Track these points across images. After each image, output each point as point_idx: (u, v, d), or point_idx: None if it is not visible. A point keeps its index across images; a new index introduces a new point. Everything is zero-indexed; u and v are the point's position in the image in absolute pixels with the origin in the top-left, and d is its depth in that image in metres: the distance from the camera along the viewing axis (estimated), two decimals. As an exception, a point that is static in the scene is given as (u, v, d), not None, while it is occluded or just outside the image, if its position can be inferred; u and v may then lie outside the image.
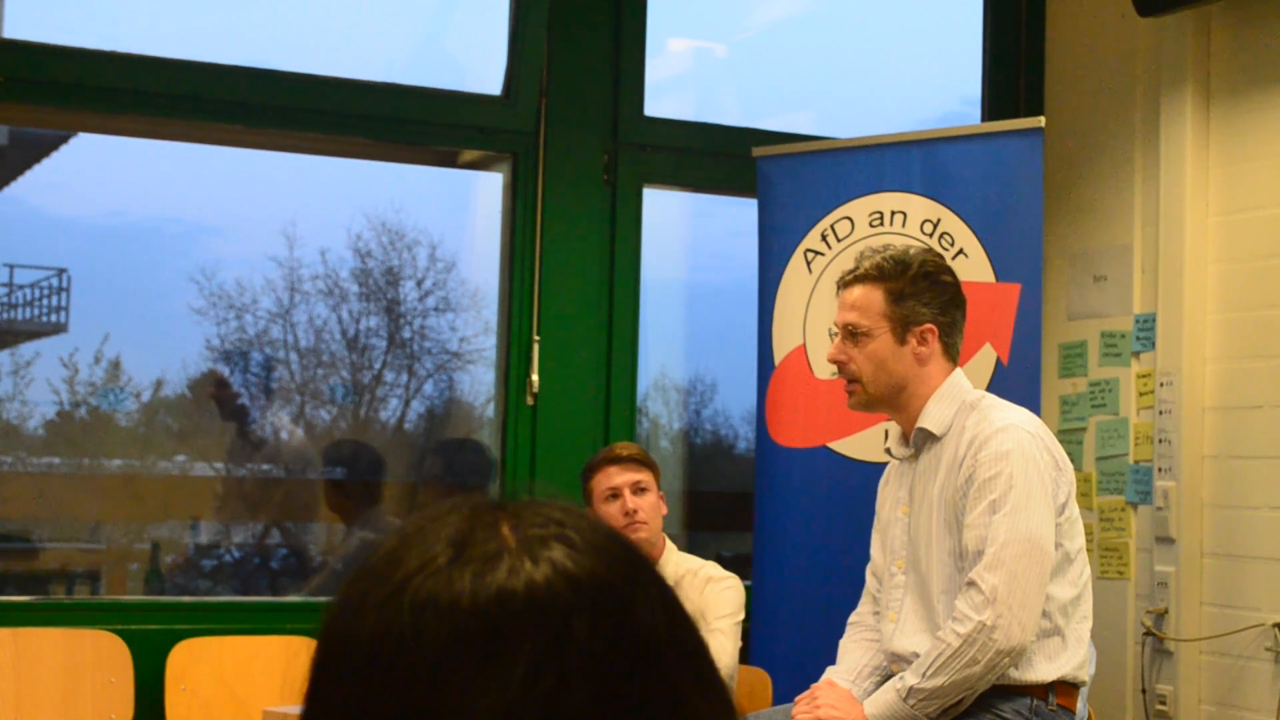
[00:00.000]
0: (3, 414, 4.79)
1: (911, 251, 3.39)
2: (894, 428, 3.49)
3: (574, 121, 4.83)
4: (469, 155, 4.98)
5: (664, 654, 0.94)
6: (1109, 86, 4.97)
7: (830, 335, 3.46)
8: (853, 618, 3.50)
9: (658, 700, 0.93)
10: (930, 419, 3.28)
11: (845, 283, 3.37)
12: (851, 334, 3.31)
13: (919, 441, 3.33)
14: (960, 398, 3.30)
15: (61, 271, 4.97)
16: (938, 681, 3.10)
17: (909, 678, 3.15)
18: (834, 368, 4.45)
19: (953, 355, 3.35)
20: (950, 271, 3.41)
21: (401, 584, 0.94)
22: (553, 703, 0.89)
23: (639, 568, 0.98)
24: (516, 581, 0.92)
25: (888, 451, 3.50)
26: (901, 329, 3.29)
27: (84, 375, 4.83)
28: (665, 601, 0.97)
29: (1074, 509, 3.26)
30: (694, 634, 0.98)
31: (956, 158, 4.45)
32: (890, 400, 3.33)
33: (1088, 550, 3.40)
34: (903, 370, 3.29)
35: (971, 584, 3.10)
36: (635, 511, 4.01)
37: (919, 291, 3.30)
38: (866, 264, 3.33)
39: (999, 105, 5.30)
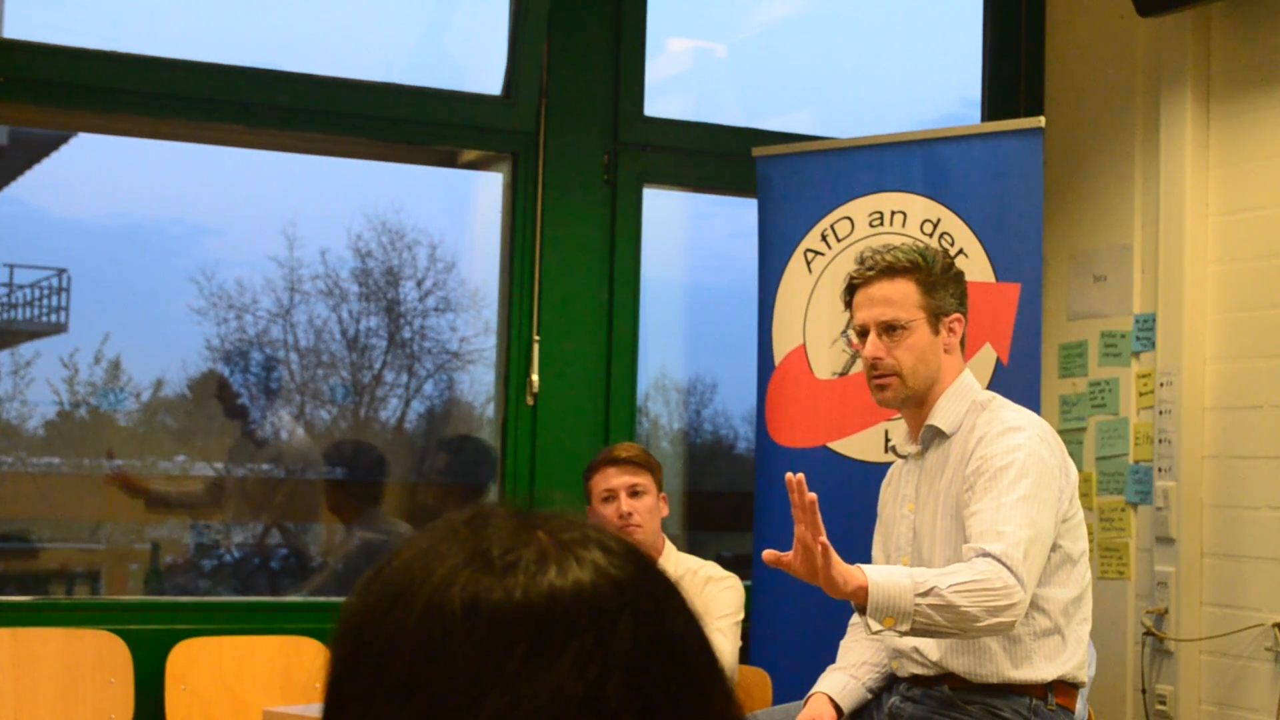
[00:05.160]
0: (3, 414, 4.79)
1: (922, 245, 3.39)
2: (897, 427, 3.48)
3: (574, 121, 4.83)
4: (469, 155, 4.98)
5: (694, 658, 1.00)
6: (1109, 86, 4.97)
7: (844, 336, 3.42)
8: (854, 619, 3.49)
9: (687, 700, 0.98)
10: (941, 416, 3.27)
11: (866, 279, 3.30)
12: (889, 329, 3.26)
13: (927, 439, 3.32)
14: (971, 397, 3.29)
15: (61, 271, 4.97)
16: (959, 601, 2.92)
17: (934, 579, 2.93)
18: (835, 367, 4.48)
19: (963, 349, 3.35)
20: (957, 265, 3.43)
21: (447, 580, 0.97)
22: (595, 692, 0.93)
23: (664, 576, 1.03)
24: (565, 581, 0.97)
25: (893, 450, 3.49)
26: (935, 320, 3.27)
27: (84, 375, 4.84)
28: (689, 608, 1.03)
29: (1078, 513, 3.25)
30: (709, 639, 1.03)
31: (956, 158, 4.46)
32: (925, 393, 3.28)
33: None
34: (936, 361, 3.27)
35: (996, 559, 2.97)
36: (629, 515, 4.01)
37: (946, 282, 3.28)
38: (889, 258, 3.28)
39: (999, 105, 5.30)
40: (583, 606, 0.96)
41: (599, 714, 0.93)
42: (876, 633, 3.02)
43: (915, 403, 3.32)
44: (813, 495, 2.86)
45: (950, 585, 2.93)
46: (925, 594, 2.91)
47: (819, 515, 2.86)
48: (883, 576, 2.93)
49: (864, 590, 2.90)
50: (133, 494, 4.82)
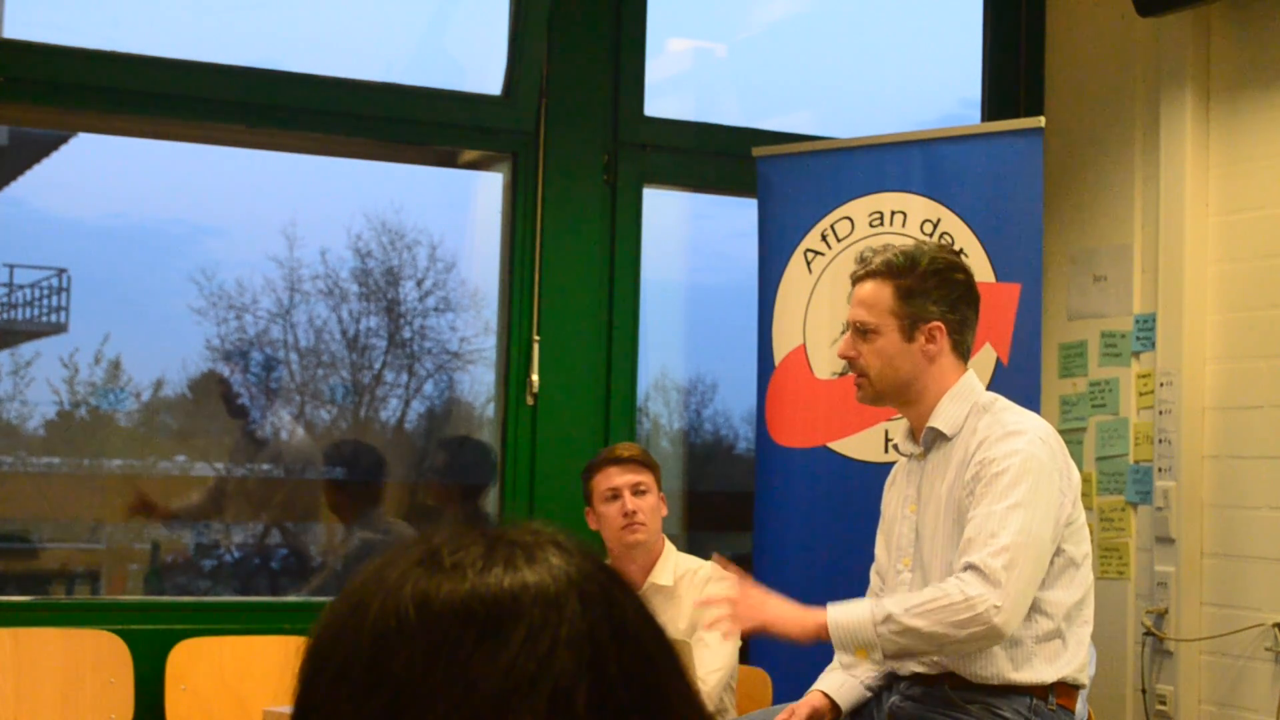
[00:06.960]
0: (3, 414, 4.79)
1: (924, 248, 3.37)
2: (898, 426, 3.49)
3: (574, 121, 4.83)
4: (469, 155, 4.98)
5: (645, 640, 1.02)
6: (1109, 86, 4.97)
7: (843, 331, 3.45)
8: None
9: (640, 677, 0.99)
10: (942, 418, 3.27)
11: (857, 278, 3.34)
12: (860, 331, 3.30)
13: (929, 440, 3.31)
14: (973, 399, 3.28)
15: (61, 271, 4.97)
16: (918, 624, 2.98)
17: (890, 605, 3.02)
18: (834, 367, 4.48)
19: (964, 353, 3.32)
20: (963, 269, 3.36)
21: (399, 582, 1.00)
22: (545, 669, 0.95)
23: (619, 576, 1.06)
24: (513, 573, 1.00)
25: (895, 449, 3.49)
26: (909, 326, 3.27)
27: (84, 375, 4.84)
28: (644, 607, 1.05)
29: (1081, 516, 3.25)
30: (668, 637, 1.05)
31: (956, 158, 4.46)
32: (897, 395, 3.32)
33: (1087, 550, 3.39)
34: (910, 367, 3.28)
35: (975, 568, 3.02)
36: (634, 513, 4.01)
37: (928, 289, 3.27)
38: (878, 260, 3.30)
39: (999, 105, 5.31)
40: (529, 593, 0.98)
41: (552, 691, 0.95)
42: (849, 666, 3.09)
43: (893, 402, 3.36)
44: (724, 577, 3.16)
45: (907, 609, 3.00)
46: (883, 622, 3.00)
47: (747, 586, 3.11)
48: (842, 613, 3.03)
49: (825, 628, 3.01)
50: (148, 515, 4.83)
